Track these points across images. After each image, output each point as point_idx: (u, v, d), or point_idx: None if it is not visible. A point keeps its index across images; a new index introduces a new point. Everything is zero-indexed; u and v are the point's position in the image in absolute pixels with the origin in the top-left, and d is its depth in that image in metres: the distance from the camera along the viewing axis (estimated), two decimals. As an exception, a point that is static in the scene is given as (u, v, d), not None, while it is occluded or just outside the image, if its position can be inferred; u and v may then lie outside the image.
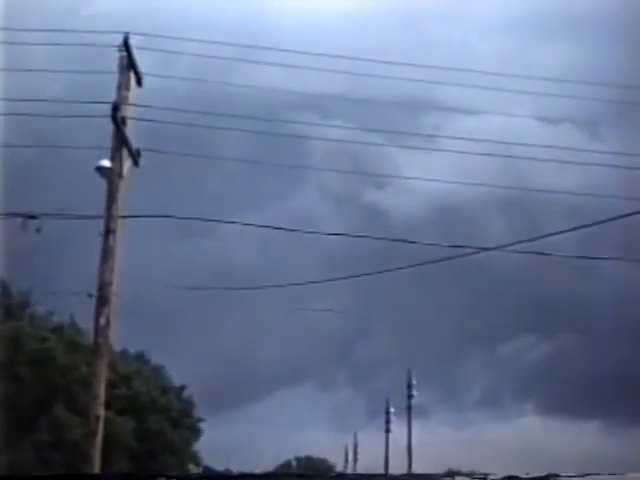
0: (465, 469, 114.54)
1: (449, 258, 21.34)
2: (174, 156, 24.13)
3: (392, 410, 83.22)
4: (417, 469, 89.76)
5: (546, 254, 22.16)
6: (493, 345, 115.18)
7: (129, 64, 20.79)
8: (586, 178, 37.14)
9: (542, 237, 20.63)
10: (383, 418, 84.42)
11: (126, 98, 20.53)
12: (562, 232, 20.43)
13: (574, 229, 20.22)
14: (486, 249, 23.37)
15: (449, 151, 31.16)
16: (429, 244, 22.23)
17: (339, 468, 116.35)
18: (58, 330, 46.76)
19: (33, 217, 19.57)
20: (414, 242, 22.26)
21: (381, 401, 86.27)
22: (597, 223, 19.51)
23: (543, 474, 13.19)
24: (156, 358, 55.33)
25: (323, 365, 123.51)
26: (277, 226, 23.05)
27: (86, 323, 26.50)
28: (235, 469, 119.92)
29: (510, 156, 30.18)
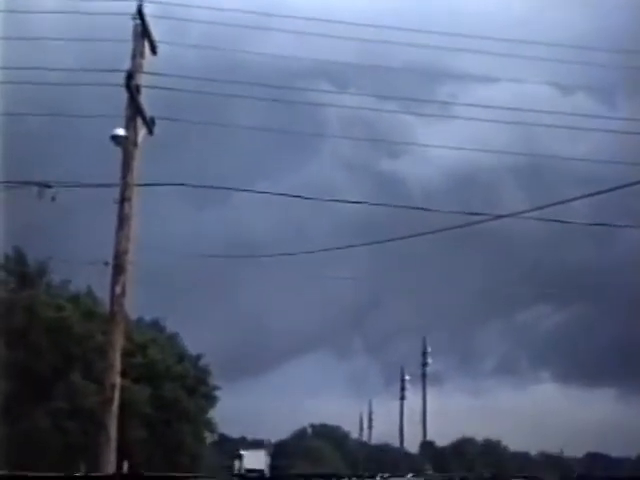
0: (479, 437, 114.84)
1: (463, 225, 21.29)
2: (189, 125, 24.12)
3: (407, 377, 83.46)
4: (432, 436, 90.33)
5: (562, 221, 22.09)
6: (510, 313, 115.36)
7: (143, 32, 20.74)
8: (601, 145, 36.96)
9: (557, 203, 20.53)
10: (398, 386, 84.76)
11: (140, 66, 20.50)
12: (577, 198, 20.36)
13: (589, 195, 20.13)
14: (502, 216, 23.31)
15: (465, 119, 31.03)
16: (446, 212, 22.19)
17: (354, 435, 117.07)
18: (74, 299, 46.93)
19: (48, 186, 19.60)
20: (431, 210, 22.23)
21: (396, 369, 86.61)
22: (613, 189, 19.41)
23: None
24: (171, 326, 55.55)
25: (339, 333, 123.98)
26: (294, 194, 23.06)
27: (102, 292, 26.59)
28: (250, 437, 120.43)
29: (525, 123, 30.03)
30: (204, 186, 22.70)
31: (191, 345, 55.08)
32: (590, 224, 26.42)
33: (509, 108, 30.74)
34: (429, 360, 78.31)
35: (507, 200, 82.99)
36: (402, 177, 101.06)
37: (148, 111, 20.60)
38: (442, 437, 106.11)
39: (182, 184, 21.12)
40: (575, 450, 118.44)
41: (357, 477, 35.80)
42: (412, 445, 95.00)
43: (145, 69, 20.65)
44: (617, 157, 27.26)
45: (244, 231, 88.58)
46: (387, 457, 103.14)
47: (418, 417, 77.10)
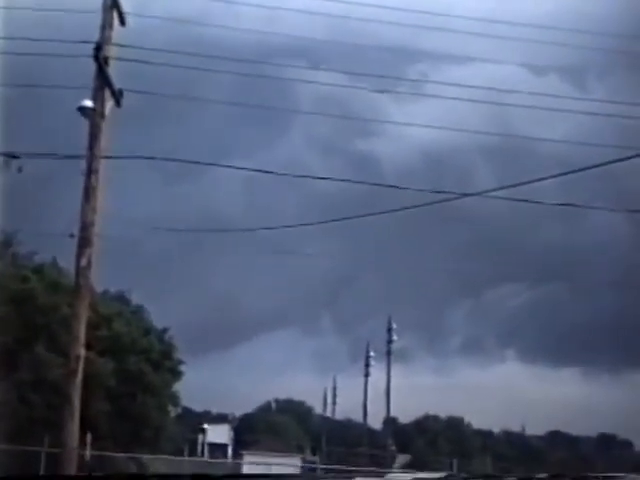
0: (443, 414, 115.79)
1: (429, 203, 21.35)
2: (160, 100, 24.01)
3: (372, 354, 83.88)
4: (395, 413, 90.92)
5: (528, 201, 22.21)
6: (477, 292, 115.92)
7: (112, 3, 20.58)
8: (575, 127, 37.11)
9: (523, 184, 20.64)
10: (364, 363, 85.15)
11: (109, 38, 20.35)
12: (542, 179, 20.45)
13: (553, 176, 20.27)
14: (467, 195, 23.43)
15: (439, 97, 31.05)
16: (413, 189, 22.27)
17: (318, 411, 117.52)
18: (39, 270, 46.69)
19: (15, 157, 19.47)
20: (398, 187, 22.30)
21: (363, 346, 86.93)
22: (581, 170, 19.54)
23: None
24: (137, 300, 55.37)
25: (307, 310, 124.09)
26: (266, 170, 23.06)
27: (68, 264, 26.48)
28: (215, 411, 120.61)
29: (499, 103, 30.12)
30: (173, 159, 22.61)
31: (157, 319, 55.01)
32: (557, 204, 26.55)
33: (483, 87, 30.82)
34: (394, 337, 78.77)
35: (480, 181, 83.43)
36: (375, 157, 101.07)
37: (117, 83, 20.47)
38: (406, 414, 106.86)
39: (150, 157, 21.05)
40: (537, 428, 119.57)
41: None
42: (375, 421, 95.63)
43: (114, 41, 20.50)
44: (590, 139, 27.41)
45: (214, 207, 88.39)
46: (350, 432, 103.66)
47: (383, 394, 77.63)
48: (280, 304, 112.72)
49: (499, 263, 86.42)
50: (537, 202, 22.98)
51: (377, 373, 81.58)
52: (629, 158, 18.54)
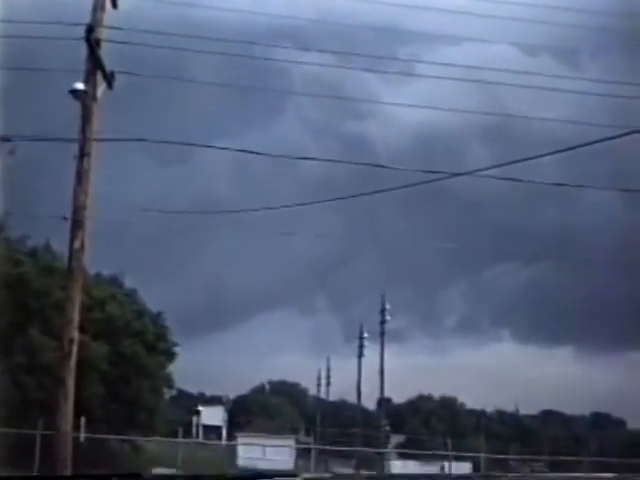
0: (437, 394, 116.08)
1: (420, 183, 21.33)
2: (152, 82, 23.93)
3: (366, 335, 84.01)
4: (390, 393, 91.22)
5: (520, 180, 22.18)
6: (473, 272, 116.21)
7: (104, -14, 20.49)
8: (568, 107, 37.05)
9: (516, 162, 20.59)
10: (358, 343, 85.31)
11: (101, 20, 20.27)
12: (534, 157, 20.39)
13: (547, 154, 20.22)
14: (458, 174, 23.40)
15: (431, 77, 30.98)
16: (401, 169, 22.29)
17: (312, 392, 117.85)
18: (33, 254, 46.65)
19: (6, 139, 19.42)
20: (381, 166, 22.37)
21: (357, 327, 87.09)
22: (573, 148, 19.51)
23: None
24: (131, 283, 55.35)
25: (302, 291, 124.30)
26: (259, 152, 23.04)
27: (61, 247, 26.45)
28: (209, 393, 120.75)
29: (492, 82, 30.04)
30: (164, 141, 22.55)
31: (151, 302, 55.02)
32: (550, 183, 26.57)
33: (475, 67, 30.75)
34: (388, 318, 78.98)
35: (473, 160, 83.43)
36: (368, 138, 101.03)
37: (109, 66, 20.41)
38: (400, 394, 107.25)
39: (142, 139, 21.01)
40: (530, 408, 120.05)
41: None
42: (370, 402, 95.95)
43: (106, 23, 20.42)
44: (584, 119, 27.35)
45: (207, 189, 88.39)
46: (344, 413, 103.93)
47: (376, 374, 77.82)
48: (274, 285, 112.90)
49: (494, 243, 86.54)
50: (528, 181, 22.95)
51: (371, 354, 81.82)
52: (621, 135, 18.53)
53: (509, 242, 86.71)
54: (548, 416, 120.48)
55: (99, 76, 20.25)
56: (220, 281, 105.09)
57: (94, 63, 20.12)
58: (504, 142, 68.96)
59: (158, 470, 49.35)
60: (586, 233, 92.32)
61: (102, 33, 20.16)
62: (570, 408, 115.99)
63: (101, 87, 20.31)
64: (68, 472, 18.36)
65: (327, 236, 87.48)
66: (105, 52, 20.28)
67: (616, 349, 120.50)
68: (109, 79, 20.53)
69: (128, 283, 55.04)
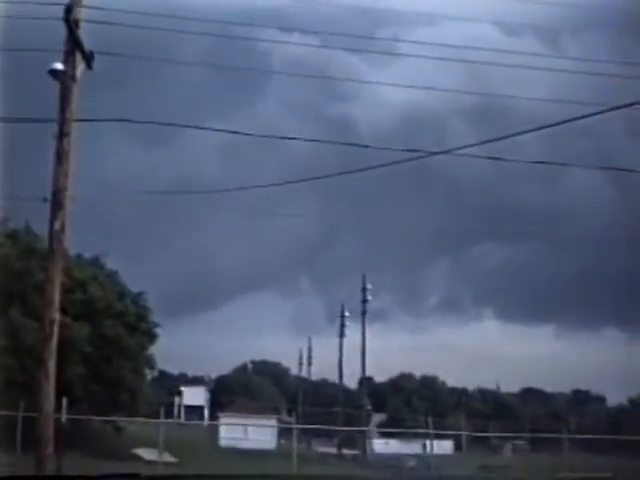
0: (418, 373, 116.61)
1: (400, 161, 21.33)
2: (139, 64, 23.85)
3: (347, 315, 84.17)
4: (371, 373, 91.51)
5: (499, 159, 22.23)
6: (455, 251, 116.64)
7: (83, -35, 20.34)
8: (548, 85, 37.09)
9: (495, 140, 20.59)
10: (340, 323, 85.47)
11: (80, 0, 20.13)
12: (513, 135, 20.39)
13: (526, 132, 20.21)
14: (439, 152, 23.43)
15: (413, 56, 30.93)
16: (382, 148, 22.30)
17: (294, 372, 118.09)
18: (13, 235, 46.49)
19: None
20: (358, 145, 22.46)
21: (340, 307, 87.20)
22: (552, 125, 19.54)
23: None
24: (112, 264, 55.25)
25: (285, 272, 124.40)
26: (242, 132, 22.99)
27: (42, 229, 26.36)
28: (191, 373, 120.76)
29: (475, 62, 30.04)
30: (146, 122, 22.53)
31: (134, 283, 54.95)
32: (531, 162, 26.56)
33: (459, 47, 30.76)
34: (369, 297, 79.17)
35: (455, 139, 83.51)
36: (352, 120, 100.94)
37: (88, 46, 20.28)
38: (381, 373, 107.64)
39: (123, 120, 20.96)
40: (512, 386, 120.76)
41: None
42: (351, 381, 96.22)
43: (85, 3, 20.28)
44: (566, 97, 27.38)
45: (189, 170, 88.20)
46: (326, 393, 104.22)
47: (358, 354, 78.04)
48: (257, 266, 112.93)
49: (477, 222, 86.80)
50: (509, 160, 23.02)
51: (353, 333, 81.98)
52: (601, 112, 18.57)
53: (492, 221, 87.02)
54: (529, 394, 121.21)
55: (78, 56, 20.13)
56: (204, 262, 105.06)
57: (73, 43, 20.00)
58: (487, 121, 69.11)
59: (140, 450, 49.55)
60: (568, 212, 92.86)
61: (81, 13, 20.02)
62: (551, 386, 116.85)
63: (80, 67, 20.20)
64: (50, 452, 18.39)
65: (309, 216, 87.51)
66: (85, 32, 20.14)
67: (597, 326, 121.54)
68: (88, 59, 20.42)
69: (110, 264, 55.00)
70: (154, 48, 26.37)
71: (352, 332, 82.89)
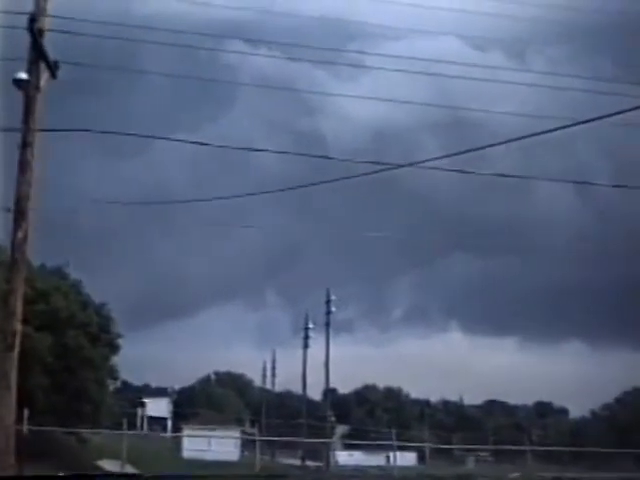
0: (382, 385, 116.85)
1: (368, 173, 21.38)
2: (105, 74, 23.76)
3: (311, 326, 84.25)
4: (335, 384, 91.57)
5: (464, 172, 22.30)
6: (421, 264, 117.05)
7: (47, -26, 20.27)
8: (518, 99, 37.35)
9: (460, 153, 20.66)
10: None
11: (44, 9, 20.06)
12: (479, 149, 20.47)
13: (492, 145, 20.32)
14: (405, 165, 23.52)
15: (381, 70, 31.01)
16: (348, 161, 22.38)
17: (258, 383, 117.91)
18: (-26, 245, 46.17)
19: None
20: (331, 158, 22.46)
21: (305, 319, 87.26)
22: (518, 139, 19.67)
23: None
24: (76, 274, 54.89)
25: (250, 284, 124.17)
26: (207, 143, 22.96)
27: (4, 239, 26.21)
28: (154, 384, 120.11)
29: (441, 75, 30.16)
30: (108, 132, 22.35)
31: (96, 293, 54.60)
32: (496, 175, 26.63)
33: (426, 60, 30.86)
34: (333, 309, 79.36)
35: (423, 152, 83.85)
36: (319, 133, 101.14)
37: (53, 56, 20.20)
38: (345, 385, 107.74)
39: (86, 130, 20.86)
40: (475, 397, 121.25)
41: None
42: (315, 393, 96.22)
43: (49, 12, 20.21)
44: (532, 112, 27.56)
45: (154, 181, 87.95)
46: (289, 404, 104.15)
47: (322, 365, 78.12)
48: (222, 278, 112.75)
49: (443, 235, 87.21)
50: (474, 172, 23.08)
51: (318, 345, 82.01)
52: (567, 127, 18.70)
53: (458, 234, 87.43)
54: (492, 406, 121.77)
55: (43, 66, 20.06)
56: (170, 273, 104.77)
57: (37, 53, 19.93)
58: (454, 134, 69.43)
59: (103, 462, 49.24)
60: (534, 225, 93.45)
61: (45, 22, 19.95)
62: (514, 398, 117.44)
63: (45, 77, 20.12)
64: (12, 463, 18.27)
65: (276, 228, 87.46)
66: (49, 41, 20.07)
67: (560, 339, 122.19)
68: (53, 69, 20.34)
69: (75, 274, 54.63)
70: (121, 58, 26.31)
71: (316, 344, 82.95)
